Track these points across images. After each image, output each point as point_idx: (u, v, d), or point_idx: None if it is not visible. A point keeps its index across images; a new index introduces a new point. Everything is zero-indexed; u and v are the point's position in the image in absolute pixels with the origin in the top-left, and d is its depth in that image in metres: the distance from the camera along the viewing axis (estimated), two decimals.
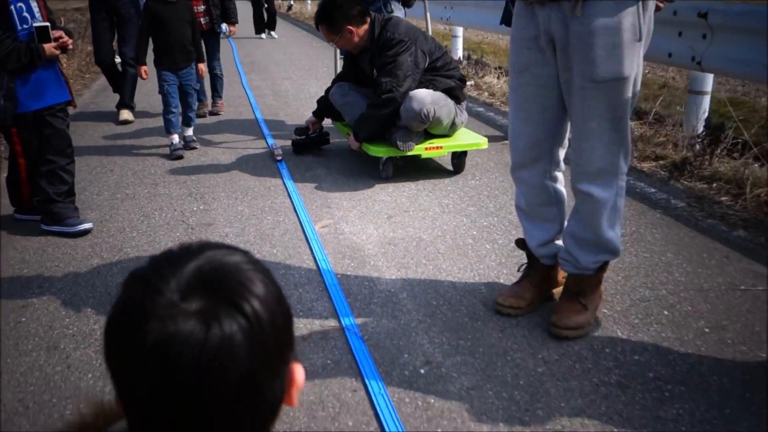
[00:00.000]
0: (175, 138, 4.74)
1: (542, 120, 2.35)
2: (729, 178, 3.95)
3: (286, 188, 4.00)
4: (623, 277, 2.82)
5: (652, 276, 2.84)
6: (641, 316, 2.52)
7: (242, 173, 4.33)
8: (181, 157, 4.63)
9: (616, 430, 1.91)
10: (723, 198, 3.81)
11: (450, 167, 4.33)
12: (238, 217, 3.56)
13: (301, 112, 5.79)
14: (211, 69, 5.83)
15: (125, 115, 5.70)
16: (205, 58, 5.19)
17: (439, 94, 3.96)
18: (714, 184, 3.98)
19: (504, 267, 2.93)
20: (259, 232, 3.37)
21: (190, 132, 4.92)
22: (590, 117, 2.19)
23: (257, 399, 0.71)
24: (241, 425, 0.71)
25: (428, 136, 4.15)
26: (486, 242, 3.23)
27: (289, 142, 4.82)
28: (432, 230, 3.38)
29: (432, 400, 2.05)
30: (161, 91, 4.65)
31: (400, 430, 1.90)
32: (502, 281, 2.79)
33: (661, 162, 4.47)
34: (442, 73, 4.08)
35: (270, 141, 5.04)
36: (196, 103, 5.13)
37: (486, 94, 7.02)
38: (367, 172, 4.24)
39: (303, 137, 4.65)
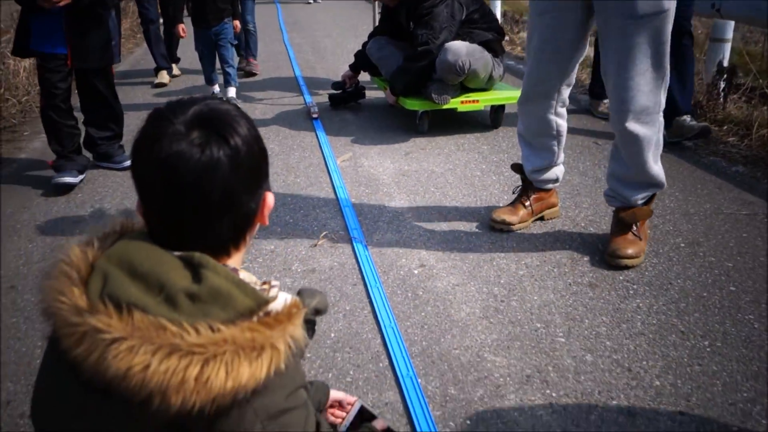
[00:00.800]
0: (216, 89, 4.96)
1: (555, 60, 2.47)
2: (739, 120, 4.07)
3: (318, 138, 4.14)
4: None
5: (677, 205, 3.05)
6: None
7: (278, 127, 4.43)
8: None
9: (578, 317, 2.17)
10: (730, 139, 3.95)
11: (488, 122, 4.33)
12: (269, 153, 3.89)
13: (339, 67, 5.99)
14: (244, 24, 5.69)
15: (160, 77, 5.72)
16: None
17: (475, 46, 3.89)
18: (725, 127, 4.11)
19: (505, 194, 3.19)
20: (285, 165, 3.70)
21: (232, 93, 5.00)
22: (633, 55, 2.21)
23: (237, 207, 1.03)
24: (225, 226, 1.02)
25: (465, 89, 4.11)
26: (493, 174, 3.48)
27: (326, 101, 4.88)
28: (445, 164, 3.65)
29: (420, 293, 2.35)
30: (197, 49, 4.91)
31: (389, 313, 2.20)
32: (501, 205, 3.05)
33: None
34: (480, 26, 4.03)
35: (308, 98, 5.08)
36: (235, 58, 5.20)
37: (519, 48, 7.14)
38: (404, 127, 4.26)
39: (339, 91, 4.70)
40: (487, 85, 4.15)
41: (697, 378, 1.87)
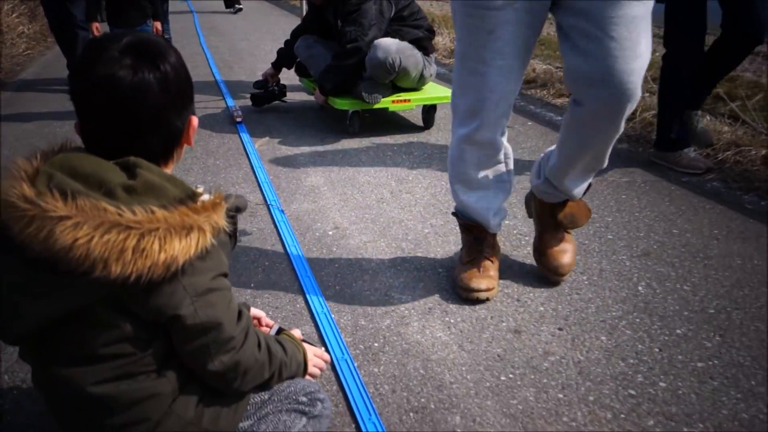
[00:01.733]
0: None
1: (521, 65, 1.92)
2: None
3: (243, 144, 3.92)
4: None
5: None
6: (518, 196, 3.04)
7: (200, 131, 4.11)
8: None
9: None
10: None
11: (420, 123, 4.25)
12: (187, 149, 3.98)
13: (258, 67, 6.08)
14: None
15: None
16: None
17: (405, 44, 3.82)
18: None
19: (414, 167, 3.43)
20: (204, 149, 3.82)
21: None
22: (636, 23, 1.74)
23: (165, 125, 1.20)
24: (155, 141, 1.19)
25: (396, 89, 4.04)
26: (404, 154, 3.72)
27: (249, 103, 4.68)
28: (359, 143, 3.86)
29: (335, 249, 2.55)
30: None
31: (305, 264, 2.39)
32: (411, 177, 3.28)
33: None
34: (409, 23, 3.95)
35: (230, 102, 4.85)
36: None
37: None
38: (334, 128, 4.15)
39: (262, 90, 4.54)
40: (419, 85, 4.08)
41: (575, 304, 2.14)
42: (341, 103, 3.95)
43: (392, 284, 2.27)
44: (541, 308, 2.12)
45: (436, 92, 4.15)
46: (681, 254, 2.49)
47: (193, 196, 1.13)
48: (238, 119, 4.30)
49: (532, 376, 1.78)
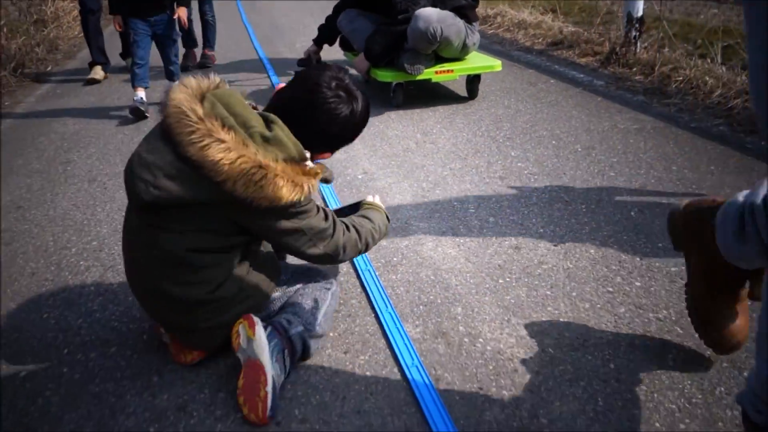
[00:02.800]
0: (140, 93, 4.01)
1: None
2: (645, 62, 4.68)
3: None
4: (530, 125, 3.61)
5: (553, 123, 3.64)
6: (533, 143, 3.33)
7: None
8: (142, 116, 3.93)
9: (487, 197, 2.73)
10: (638, 77, 4.55)
11: (465, 94, 4.19)
12: None
13: (297, 41, 6.42)
14: (202, 14, 5.37)
15: (93, 72, 5.04)
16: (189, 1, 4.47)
17: (446, 13, 3.73)
18: (634, 69, 4.72)
19: (441, 124, 3.73)
20: None
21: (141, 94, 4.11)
22: None
23: (327, 143, 1.72)
24: (315, 144, 1.65)
25: (439, 59, 3.97)
26: (447, 123, 4.02)
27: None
28: (402, 115, 4.18)
29: (363, 189, 2.89)
30: (130, 41, 4.03)
31: (336, 201, 2.74)
32: (435, 132, 3.59)
33: (597, 56, 5.20)
34: None
35: (275, 79, 4.74)
36: (179, 55, 4.35)
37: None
38: (377, 101, 4.07)
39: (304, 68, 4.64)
40: (461, 54, 3.99)
41: (572, 227, 2.44)
42: (384, 75, 3.88)
43: (412, 215, 2.60)
44: (541, 230, 2.43)
45: (480, 62, 4.06)
46: (675, 186, 2.75)
47: (304, 159, 1.54)
48: None
49: (526, 280, 2.10)
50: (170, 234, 1.53)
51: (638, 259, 2.19)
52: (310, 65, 4.30)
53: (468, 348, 1.77)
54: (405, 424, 1.51)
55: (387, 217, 1.95)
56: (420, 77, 3.88)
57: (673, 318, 1.87)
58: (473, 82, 4.12)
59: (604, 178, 2.87)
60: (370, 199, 2.01)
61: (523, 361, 1.71)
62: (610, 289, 2.02)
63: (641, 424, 1.49)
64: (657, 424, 1.48)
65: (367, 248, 1.80)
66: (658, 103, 3.96)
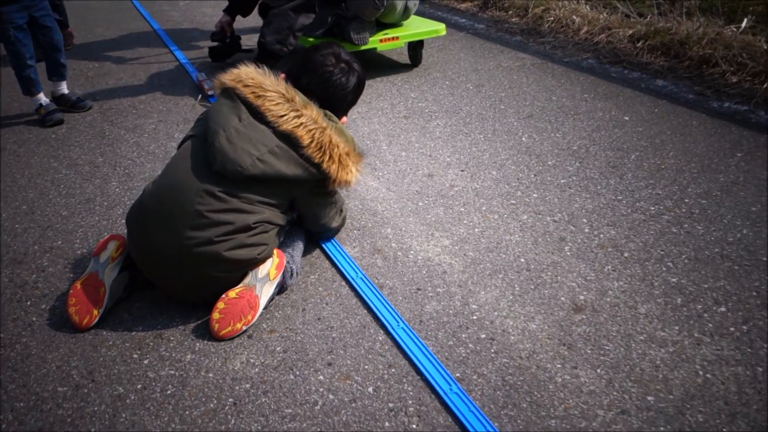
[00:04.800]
0: (42, 99, 3.28)
1: None
2: (520, 5, 5.07)
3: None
4: (423, 69, 3.90)
5: (444, 66, 3.94)
6: (429, 84, 3.62)
7: (163, 101, 4.03)
8: (59, 122, 3.28)
9: (396, 134, 3.00)
10: (514, 19, 4.94)
11: (407, 60, 4.02)
12: (164, 119, 4.33)
13: (197, 10, 6.30)
14: None
15: None
16: None
17: None
18: (509, 12, 5.10)
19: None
20: (165, 121, 4.20)
21: (64, 87, 3.42)
22: None
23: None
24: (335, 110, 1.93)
25: (380, 26, 3.72)
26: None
27: (200, 57, 4.26)
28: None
29: None
30: (4, 39, 3.08)
31: None
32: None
33: (476, 2, 5.55)
34: None
35: (191, 70, 4.07)
36: (62, 40, 3.36)
37: None
38: None
39: (220, 43, 3.94)
40: (403, 18, 3.77)
41: (474, 154, 2.76)
42: None
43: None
44: (448, 159, 2.73)
45: (423, 27, 3.81)
46: (557, 113, 3.14)
47: (358, 153, 1.91)
48: (210, 92, 3.53)
49: (442, 201, 2.40)
50: (247, 204, 1.76)
51: (533, 175, 2.55)
52: (224, 40, 3.94)
53: (402, 259, 2.05)
54: (360, 322, 1.78)
55: None
56: (364, 47, 3.58)
57: (566, 219, 2.24)
58: (416, 48, 3.89)
59: (495, 111, 3.21)
60: None
61: (450, 265, 2.01)
62: (513, 201, 2.37)
63: (551, 300, 1.83)
64: (563, 298, 1.84)
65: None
66: (534, 42, 4.36)
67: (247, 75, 1.84)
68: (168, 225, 1.73)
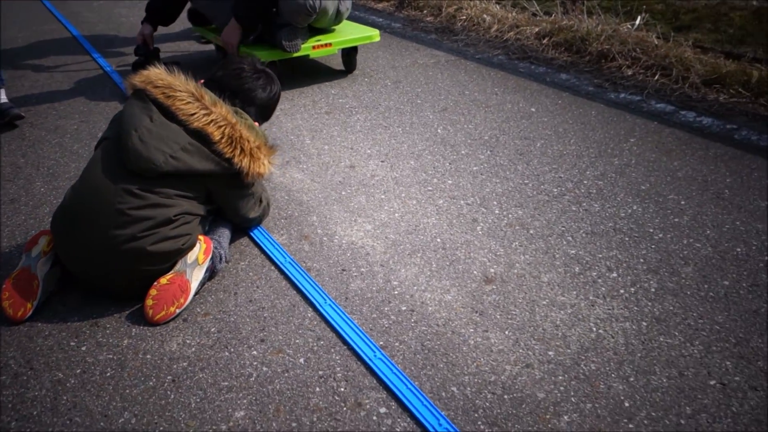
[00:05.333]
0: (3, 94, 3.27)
1: None
2: (434, 5, 5.29)
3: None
4: (343, 66, 4.04)
5: (363, 63, 4.09)
6: (348, 81, 3.76)
7: (88, 109, 4.03)
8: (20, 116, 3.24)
9: (318, 130, 3.13)
10: (428, 18, 5.15)
11: (341, 67, 3.97)
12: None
13: (113, 12, 6.16)
14: None
15: None
16: None
17: None
18: (424, 11, 5.31)
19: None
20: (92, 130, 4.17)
21: (4, 96, 3.31)
22: None
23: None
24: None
25: (313, 32, 3.67)
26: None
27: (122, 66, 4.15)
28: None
29: None
30: None
31: None
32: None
33: (392, 1, 5.73)
34: None
35: (104, 63, 4.17)
36: None
37: None
38: None
39: (143, 57, 3.71)
40: (335, 23, 3.71)
41: (393, 146, 2.92)
42: (257, 55, 3.37)
43: None
44: (369, 151, 2.88)
45: (357, 32, 3.76)
46: (469, 106, 3.35)
47: (269, 146, 2.01)
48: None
49: (363, 189, 2.55)
50: (165, 198, 1.84)
51: (448, 164, 2.74)
52: (148, 52, 3.73)
53: (327, 244, 2.19)
54: (290, 302, 1.91)
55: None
56: (297, 54, 3.51)
57: (478, 202, 2.43)
58: (350, 54, 3.83)
59: (412, 105, 3.39)
60: None
61: (372, 247, 2.16)
62: (430, 188, 2.54)
63: (464, 274, 2.01)
64: (475, 272, 2.02)
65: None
66: (447, 40, 4.57)
67: (157, 76, 1.93)
68: (92, 227, 1.80)
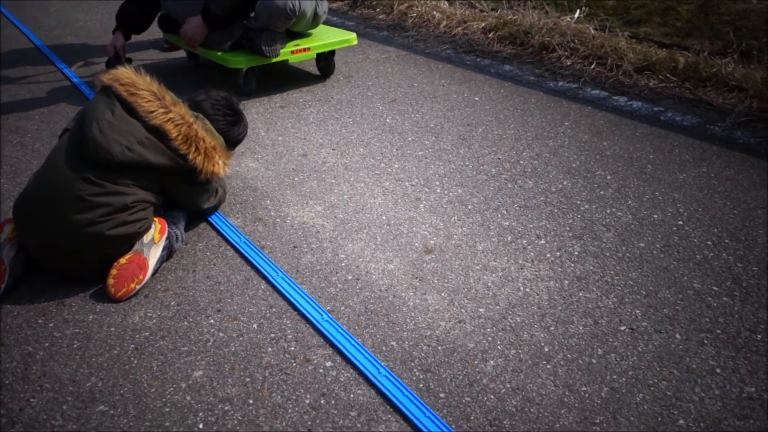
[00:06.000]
0: None
1: None
2: (386, 3, 5.47)
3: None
4: (298, 63, 4.18)
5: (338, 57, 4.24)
6: (303, 77, 3.91)
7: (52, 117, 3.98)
8: None
9: (271, 124, 3.28)
10: (381, 16, 5.32)
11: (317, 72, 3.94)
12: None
13: (70, 17, 6.19)
14: None
15: None
16: None
17: None
18: (377, 9, 5.48)
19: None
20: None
21: None
22: None
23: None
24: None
25: (290, 36, 3.65)
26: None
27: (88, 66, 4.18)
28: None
29: None
30: None
31: None
32: (217, 78, 4.01)
33: (346, 1, 5.89)
34: None
35: (71, 75, 4.09)
36: None
37: None
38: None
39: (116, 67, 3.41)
40: (312, 26, 3.67)
41: (344, 135, 3.09)
42: (236, 61, 3.42)
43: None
44: (321, 140, 3.04)
45: (334, 36, 3.73)
46: (417, 97, 3.53)
47: (223, 147, 2.17)
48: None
49: (315, 175, 2.71)
50: (122, 186, 1.97)
51: (395, 150, 2.91)
52: (121, 63, 3.51)
53: (280, 225, 2.34)
54: (244, 276, 2.06)
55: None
56: (276, 59, 3.49)
57: (422, 183, 2.60)
58: (328, 58, 3.80)
59: (363, 98, 3.56)
60: None
61: (322, 225, 2.33)
62: (377, 172, 2.71)
63: (406, 246, 2.18)
64: (416, 244, 2.19)
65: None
66: (399, 37, 4.75)
67: (124, 75, 2.08)
68: (53, 212, 1.92)
